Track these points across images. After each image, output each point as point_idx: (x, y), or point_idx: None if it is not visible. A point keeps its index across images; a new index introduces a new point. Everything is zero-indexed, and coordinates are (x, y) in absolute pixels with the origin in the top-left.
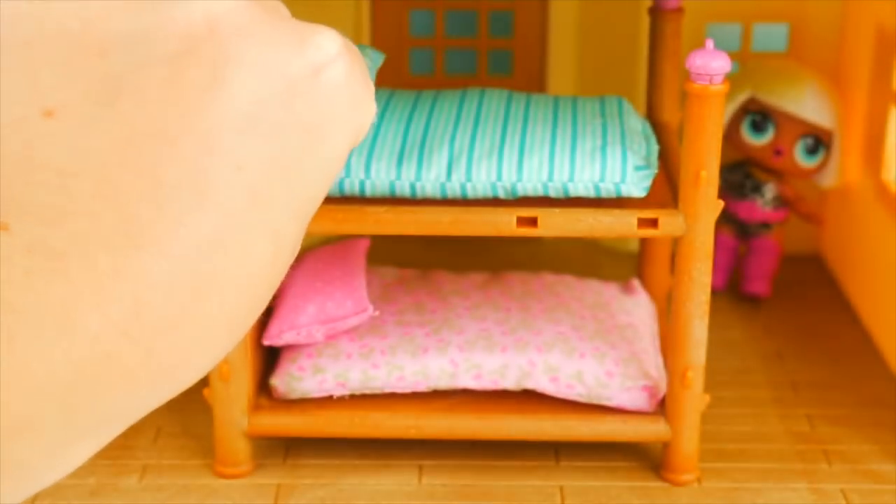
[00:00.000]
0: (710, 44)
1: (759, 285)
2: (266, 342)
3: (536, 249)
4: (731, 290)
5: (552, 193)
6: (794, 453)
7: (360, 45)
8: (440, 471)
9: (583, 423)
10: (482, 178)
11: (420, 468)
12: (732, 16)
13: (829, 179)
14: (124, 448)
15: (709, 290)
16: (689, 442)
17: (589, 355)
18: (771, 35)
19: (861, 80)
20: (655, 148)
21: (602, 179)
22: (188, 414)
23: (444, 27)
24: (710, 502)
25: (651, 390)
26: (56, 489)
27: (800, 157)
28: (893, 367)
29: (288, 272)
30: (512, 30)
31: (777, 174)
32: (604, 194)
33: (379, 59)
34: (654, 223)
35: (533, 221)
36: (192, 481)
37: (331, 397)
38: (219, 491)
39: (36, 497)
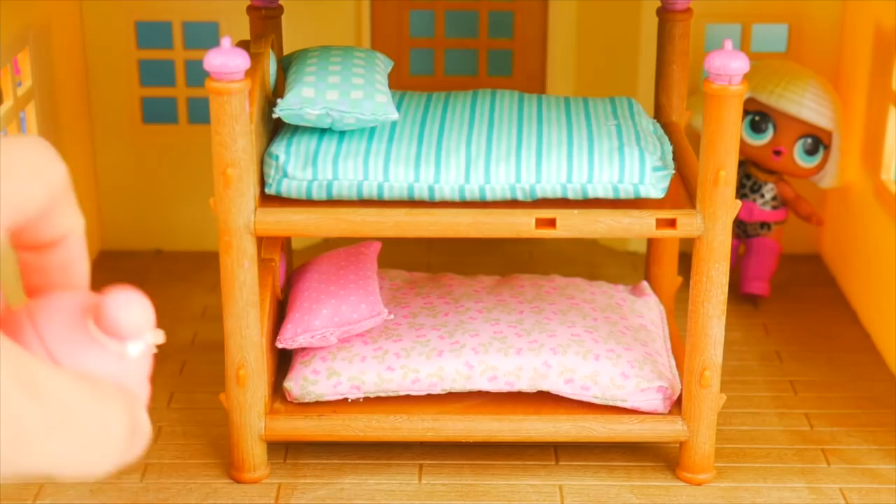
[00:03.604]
0: (728, 44)
1: (758, 285)
2: (280, 345)
3: (535, 249)
4: (731, 290)
5: (571, 195)
6: (793, 453)
7: (370, 51)
8: (440, 470)
9: (600, 424)
10: (501, 181)
11: (420, 468)
12: (732, 16)
13: (828, 180)
14: None
15: (726, 289)
16: (706, 441)
17: (604, 357)
18: (770, 35)
19: (860, 81)
20: (669, 148)
21: (621, 181)
22: (189, 414)
23: (444, 27)
24: (710, 501)
25: (666, 391)
26: (57, 488)
27: (799, 158)
28: (893, 367)
29: (301, 276)
30: (512, 30)
31: (776, 174)
32: (622, 195)
33: (388, 64)
34: (672, 223)
35: (552, 223)
36: (193, 480)
37: (344, 400)
38: (219, 490)
39: (37, 496)
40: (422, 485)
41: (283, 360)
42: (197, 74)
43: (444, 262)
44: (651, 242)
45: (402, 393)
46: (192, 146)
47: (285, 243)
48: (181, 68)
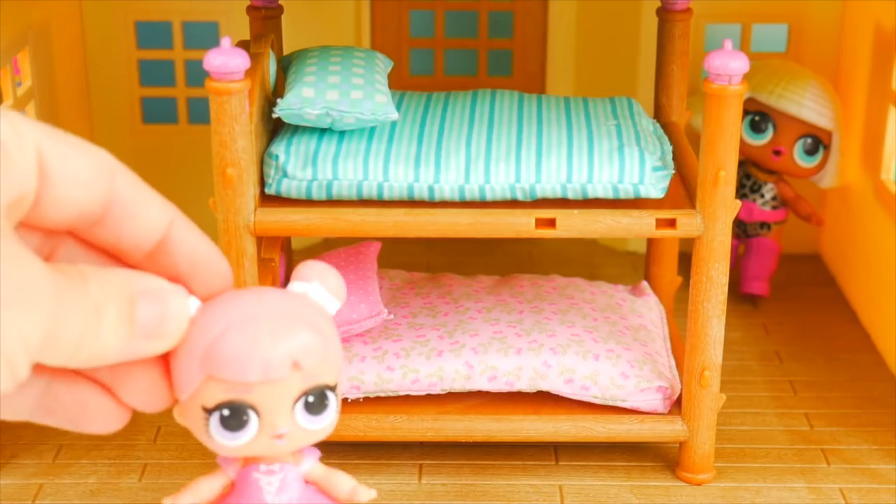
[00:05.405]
0: (728, 44)
1: (757, 285)
2: None
3: (535, 248)
4: (731, 290)
5: (570, 195)
6: (792, 453)
7: (370, 51)
8: (440, 471)
9: (600, 424)
10: (501, 180)
11: (420, 468)
12: (732, 16)
13: (828, 180)
14: (124, 448)
15: (726, 289)
16: (705, 441)
17: (603, 357)
18: (770, 35)
19: (860, 81)
20: (669, 148)
21: (620, 181)
22: None
23: (443, 27)
24: (709, 501)
25: (666, 391)
26: (56, 488)
27: (799, 158)
28: (892, 366)
29: None
30: (512, 30)
31: (776, 174)
32: (622, 195)
33: (388, 64)
34: (672, 223)
35: (551, 223)
36: (192, 480)
37: (344, 400)
38: None
39: (36, 496)
40: (422, 485)
41: None
42: (197, 74)
43: (444, 262)
44: (651, 242)
45: (401, 393)
46: (192, 146)
47: (285, 243)
48: (181, 68)
